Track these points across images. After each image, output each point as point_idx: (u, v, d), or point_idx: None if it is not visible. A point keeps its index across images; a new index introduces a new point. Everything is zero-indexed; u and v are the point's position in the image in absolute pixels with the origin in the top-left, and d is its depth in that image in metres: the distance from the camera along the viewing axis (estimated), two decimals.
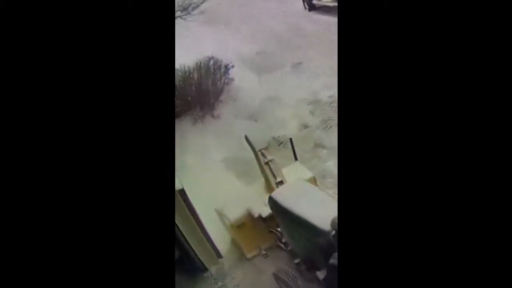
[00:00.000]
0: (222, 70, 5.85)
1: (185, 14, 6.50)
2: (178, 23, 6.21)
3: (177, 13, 6.37)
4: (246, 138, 3.54)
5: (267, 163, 3.47)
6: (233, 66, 5.95)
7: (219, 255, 3.48)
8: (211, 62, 5.79)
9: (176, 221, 2.96)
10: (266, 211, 3.31)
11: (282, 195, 3.06)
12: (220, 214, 3.66)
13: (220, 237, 3.65)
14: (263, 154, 3.50)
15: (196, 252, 3.19)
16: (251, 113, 5.51)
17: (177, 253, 3.21)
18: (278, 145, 4.88)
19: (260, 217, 3.40)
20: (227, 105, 5.69)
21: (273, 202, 3.08)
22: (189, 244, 3.11)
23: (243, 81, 5.97)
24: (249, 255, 3.66)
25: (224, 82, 5.85)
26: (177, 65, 5.39)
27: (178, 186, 3.06)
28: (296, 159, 3.94)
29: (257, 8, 6.99)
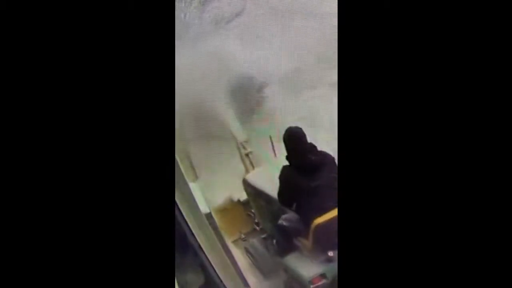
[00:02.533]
0: (255, 88, 5.90)
1: (216, 29, 6.60)
2: (210, 38, 6.33)
3: (208, 28, 6.49)
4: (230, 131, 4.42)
5: (247, 154, 4.29)
6: (266, 85, 5.99)
7: (246, 283, 3.48)
8: (243, 79, 5.86)
9: (202, 245, 2.99)
10: (244, 196, 4.10)
11: (254, 177, 3.87)
12: (208, 202, 4.11)
13: None
14: (243, 146, 4.29)
15: (222, 278, 3.20)
16: None
17: (201, 279, 3.22)
18: None
19: (238, 201, 4.16)
20: (259, 125, 5.70)
21: (246, 184, 3.89)
22: (214, 270, 3.12)
23: (277, 100, 5.98)
24: (230, 239, 4.19)
25: (257, 101, 5.90)
26: (206, 83, 5.48)
27: (205, 210, 3.13)
28: (275, 155, 4.48)
29: (294, 23, 7.04)
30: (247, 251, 3.94)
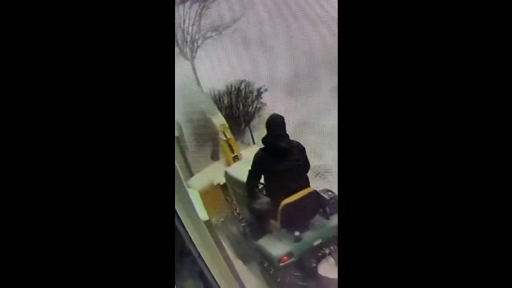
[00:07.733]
0: (254, 94, 6.00)
1: (216, 35, 6.70)
2: (208, 43, 6.42)
3: (208, 34, 6.58)
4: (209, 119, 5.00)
5: (225, 141, 4.82)
6: (266, 90, 6.08)
7: None
8: (243, 85, 5.98)
9: (202, 254, 3.06)
10: (223, 180, 4.61)
11: (235, 170, 4.31)
12: (190, 186, 4.57)
13: None
14: (224, 134, 4.81)
15: (221, 286, 3.26)
16: None
17: (200, 287, 3.28)
18: (315, 176, 4.96)
19: (218, 185, 4.65)
20: (258, 131, 5.79)
21: (228, 176, 4.39)
22: (213, 277, 3.18)
23: (277, 106, 6.04)
24: (212, 220, 4.30)
25: (256, 106, 6.02)
26: (206, 88, 5.60)
27: (204, 217, 3.21)
28: (254, 143, 5.17)
29: (293, 28, 7.10)
30: (228, 238, 4.41)
